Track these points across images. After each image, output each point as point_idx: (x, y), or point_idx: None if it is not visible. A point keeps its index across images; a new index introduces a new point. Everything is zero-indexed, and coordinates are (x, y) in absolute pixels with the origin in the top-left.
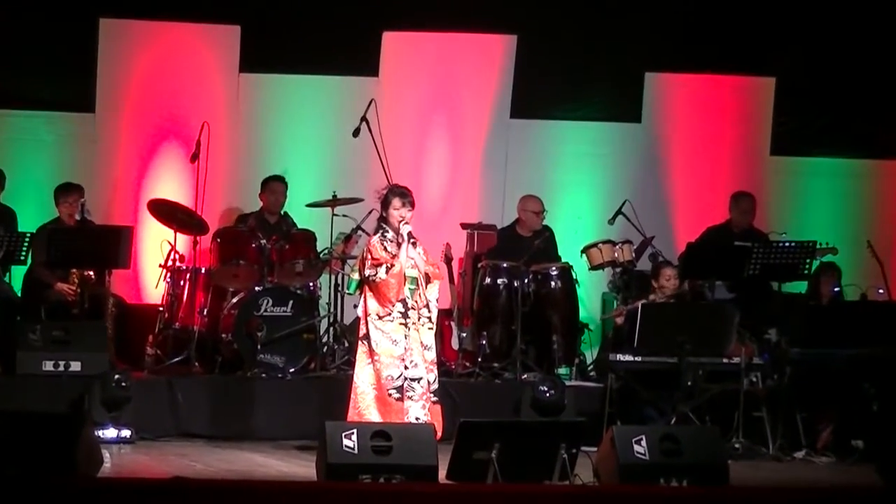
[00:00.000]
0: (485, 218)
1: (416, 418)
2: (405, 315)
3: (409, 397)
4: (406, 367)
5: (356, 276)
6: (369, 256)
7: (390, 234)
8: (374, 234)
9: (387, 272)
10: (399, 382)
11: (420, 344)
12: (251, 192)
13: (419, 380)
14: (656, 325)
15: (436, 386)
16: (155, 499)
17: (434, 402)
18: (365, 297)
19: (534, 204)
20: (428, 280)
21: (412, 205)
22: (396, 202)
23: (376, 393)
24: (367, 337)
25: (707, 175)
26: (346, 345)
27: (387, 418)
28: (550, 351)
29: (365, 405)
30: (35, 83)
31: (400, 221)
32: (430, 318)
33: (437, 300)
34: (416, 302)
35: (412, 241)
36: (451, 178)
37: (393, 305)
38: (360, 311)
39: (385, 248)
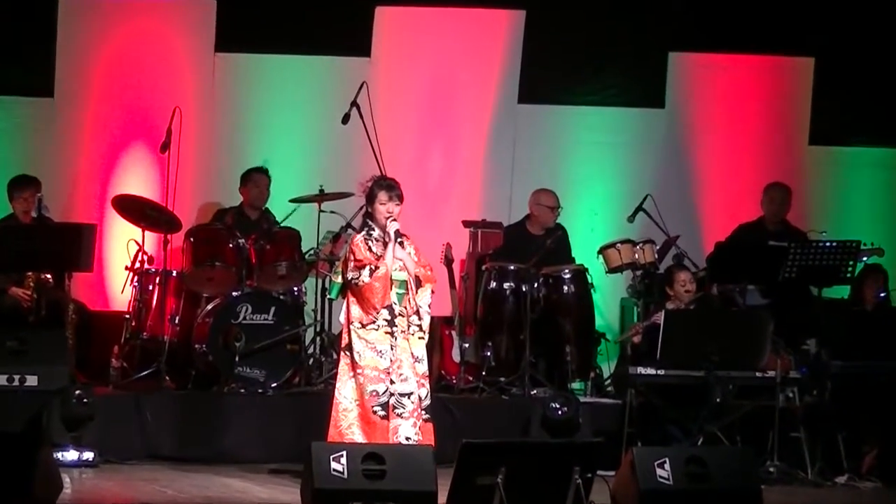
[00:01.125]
0: (489, 215)
1: (407, 438)
2: (391, 323)
3: (399, 415)
4: (393, 382)
5: (339, 279)
6: (352, 257)
7: (376, 233)
8: (360, 231)
9: (370, 275)
10: (385, 399)
11: (410, 355)
12: (228, 185)
13: (409, 395)
14: (681, 335)
15: (428, 402)
16: None
17: (426, 420)
18: (348, 303)
19: (548, 198)
20: (419, 284)
21: (400, 199)
22: (382, 196)
23: (359, 410)
24: (349, 347)
25: (738, 167)
26: (335, 357)
27: (371, 439)
28: (563, 363)
29: (347, 424)
30: None
31: (387, 218)
32: (420, 326)
33: (429, 306)
34: (405, 308)
35: (400, 239)
36: (451, 170)
37: (378, 312)
38: (342, 319)
39: (370, 248)
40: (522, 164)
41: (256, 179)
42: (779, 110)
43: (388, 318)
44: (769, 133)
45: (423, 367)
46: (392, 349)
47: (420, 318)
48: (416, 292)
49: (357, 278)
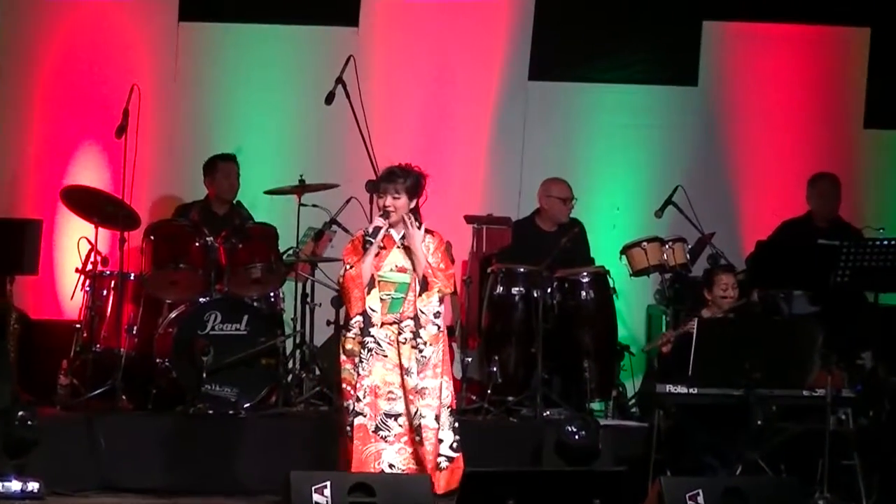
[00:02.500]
0: (496, 209)
1: (391, 465)
2: (364, 331)
3: (383, 438)
4: (361, 399)
5: None
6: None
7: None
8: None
9: (344, 273)
10: (351, 418)
11: (398, 367)
12: (194, 175)
13: (396, 417)
14: (717, 347)
15: (418, 421)
16: None
17: (450, 455)
18: None
19: (560, 189)
20: (425, 286)
21: (398, 191)
22: (381, 188)
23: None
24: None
25: (782, 154)
26: (318, 372)
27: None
28: (580, 380)
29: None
30: None
31: (380, 215)
32: (417, 333)
33: (436, 315)
34: (400, 314)
35: (398, 239)
36: (452, 157)
37: (351, 318)
38: None
39: (363, 246)
40: (533, 151)
41: (224, 169)
42: (829, 89)
43: (363, 324)
44: (818, 115)
45: (413, 381)
46: (365, 362)
47: (419, 325)
48: (420, 296)
49: (340, 275)
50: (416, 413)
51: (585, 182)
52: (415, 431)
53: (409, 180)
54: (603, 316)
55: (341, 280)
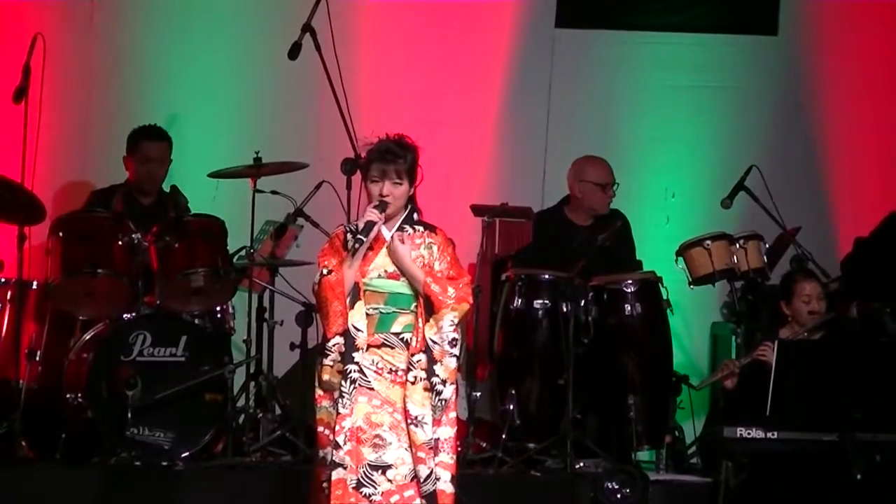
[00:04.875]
0: (513, 196)
1: None
2: (346, 357)
3: (367, 497)
4: (341, 445)
5: None
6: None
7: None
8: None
9: (320, 280)
10: (329, 471)
11: (401, 412)
12: (115, 153)
13: (385, 469)
14: (803, 379)
15: (433, 487)
16: None
17: None
18: None
19: (598, 171)
20: (432, 309)
21: (398, 174)
22: (374, 170)
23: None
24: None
25: (888, 127)
26: (279, 411)
27: None
28: (624, 422)
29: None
30: None
31: (375, 205)
32: (429, 370)
33: (452, 343)
34: (392, 339)
35: (398, 234)
36: (456, 129)
37: (329, 339)
38: None
39: (346, 246)
40: (561, 120)
41: (146, 148)
42: None
43: (343, 348)
44: None
45: (425, 434)
46: (344, 397)
47: (433, 361)
48: (423, 319)
49: (315, 282)
50: (428, 476)
51: (629, 161)
52: (427, 500)
53: (409, 158)
54: (653, 337)
55: (316, 289)
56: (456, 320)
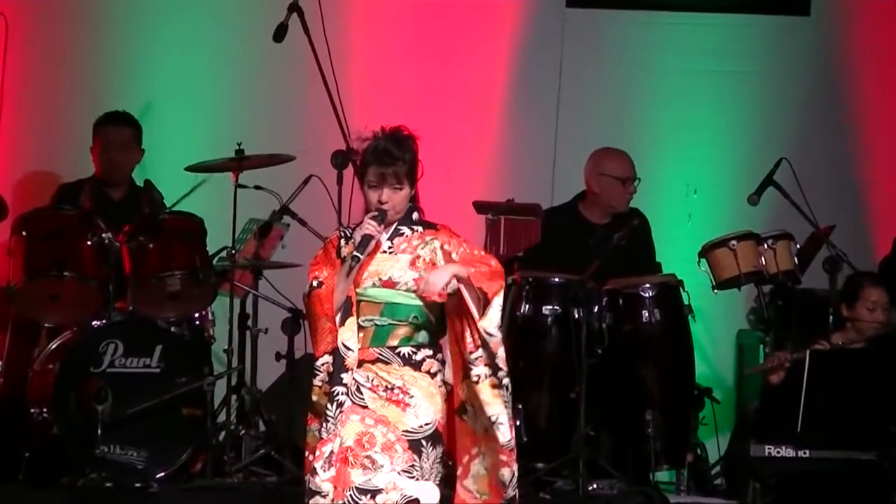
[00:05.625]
0: (520, 192)
1: None
2: (334, 378)
3: None
4: (318, 472)
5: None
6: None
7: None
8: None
9: (309, 293)
10: (307, 499)
11: (383, 424)
12: (83, 143)
13: (374, 494)
14: (837, 393)
15: (514, 492)
16: None
17: None
18: None
19: (617, 164)
20: (486, 298)
21: (398, 178)
22: (372, 174)
23: None
24: None
25: None
26: (263, 428)
27: None
28: (641, 439)
29: None
30: None
31: (373, 216)
32: (490, 365)
33: (497, 325)
34: (388, 354)
35: (409, 238)
36: (458, 119)
37: (318, 357)
38: None
39: (339, 254)
40: (572, 108)
41: (107, 133)
42: None
43: (331, 367)
44: None
45: (504, 436)
46: (328, 421)
47: (493, 354)
48: (483, 313)
49: (306, 293)
50: (511, 479)
51: (646, 154)
52: None
53: (408, 157)
54: (674, 346)
55: (307, 302)
56: (502, 301)
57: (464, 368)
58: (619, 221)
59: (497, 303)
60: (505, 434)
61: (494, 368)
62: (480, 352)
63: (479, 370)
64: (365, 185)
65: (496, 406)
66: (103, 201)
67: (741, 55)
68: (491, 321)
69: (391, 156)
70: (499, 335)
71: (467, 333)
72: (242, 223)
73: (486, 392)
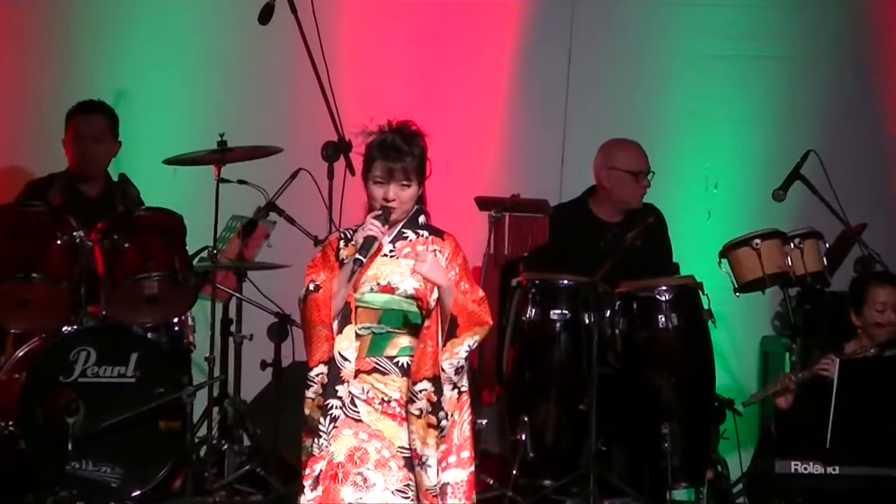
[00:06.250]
0: (525, 188)
1: None
2: (328, 389)
3: None
4: (305, 490)
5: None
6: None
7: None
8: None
9: (305, 297)
10: None
11: (378, 439)
12: (55, 135)
13: None
14: (869, 405)
15: None
16: None
17: None
18: None
19: (630, 157)
20: (455, 330)
21: (407, 174)
22: (378, 169)
23: None
24: None
25: None
26: (248, 442)
27: None
28: (657, 454)
29: None
30: None
31: (377, 215)
32: (436, 402)
33: (457, 372)
34: (386, 364)
35: (411, 242)
36: (460, 108)
37: (311, 367)
38: None
39: (337, 255)
40: (581, 96)
41: (78, 123)
42: None
43: (326, 378)
44: None
45: (429, 480)
46: (321, 437)
47: (440, 391)
48: (444, 346)
49: (301, 298)
50: None
51: (662, 146)
52: None
53: (417, 153)
54: (692, 354)
55: (302, 307)
56: (475, 344)
57: (409, 392)
58: (633, 219)
59: (468, 342)
60: (432, 478)
61: (437, 408)
62: (426, 384)
63: (421, 404)
64: (370, 182)
65: (428, 448)
66: (76, 197)
67: (765, 38)
68: (451, 361)
69: (399, 150)
70: (453, 377)
71: (422, 362)
72: (225, 221)
73: (421, 429)
